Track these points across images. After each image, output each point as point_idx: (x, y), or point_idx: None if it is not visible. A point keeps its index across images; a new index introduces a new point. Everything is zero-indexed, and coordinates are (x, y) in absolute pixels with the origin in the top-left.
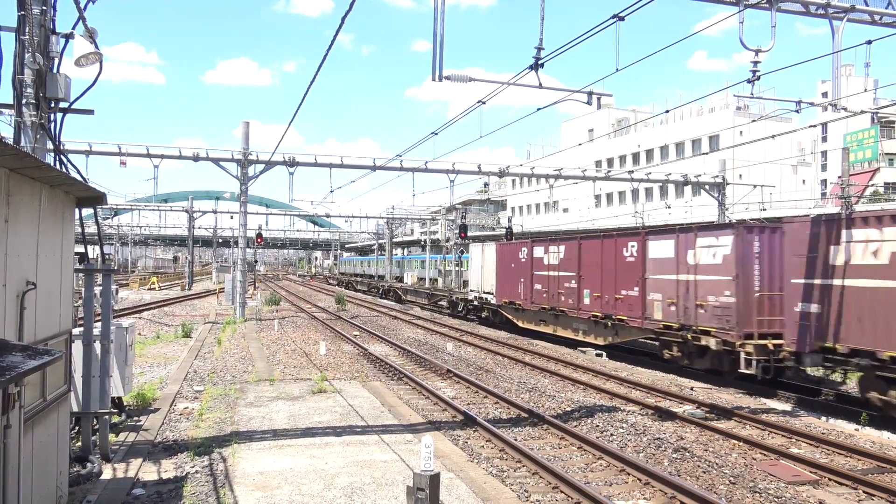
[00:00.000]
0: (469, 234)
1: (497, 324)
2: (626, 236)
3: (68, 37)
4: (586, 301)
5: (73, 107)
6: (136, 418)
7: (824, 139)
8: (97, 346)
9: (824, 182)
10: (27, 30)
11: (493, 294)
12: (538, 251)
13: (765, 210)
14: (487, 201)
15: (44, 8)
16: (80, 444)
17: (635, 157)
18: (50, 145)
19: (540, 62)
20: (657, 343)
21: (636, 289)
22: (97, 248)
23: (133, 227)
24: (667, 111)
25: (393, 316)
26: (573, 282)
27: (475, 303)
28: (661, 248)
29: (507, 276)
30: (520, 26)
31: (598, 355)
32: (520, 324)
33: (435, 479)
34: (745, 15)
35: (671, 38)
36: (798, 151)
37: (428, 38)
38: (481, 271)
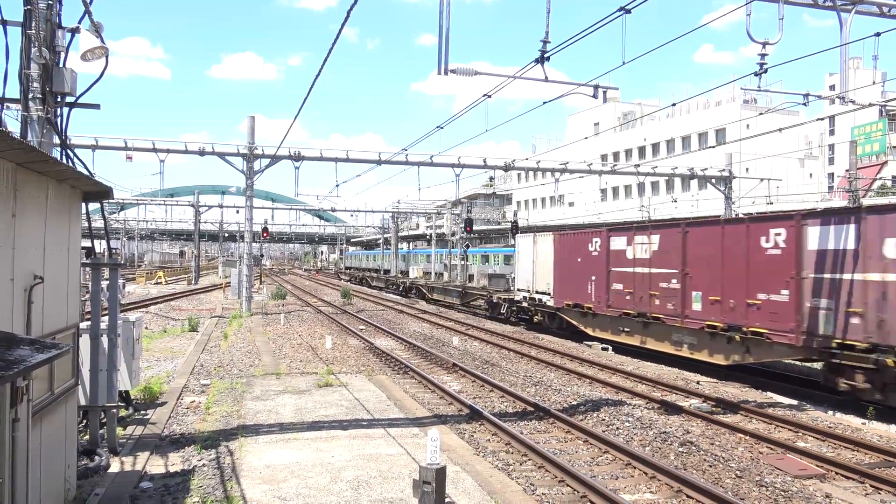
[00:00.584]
0: (474, 228)
1: (556, 331)
2: (765, 221)
3: (74, 31)
4: (696, 306)
5: (79, 101)
6: (143, 412)
7: (832, 132)
8: (104, 339)
9: (832, 175)
10: (33, 24)
11: (549, 294)
12: (618, 242)
13: (772, 203)
14: (493, 195)
15: (50, 2)
16: (87, 437)
17: (641, 150)
18: (56, 140)
19: (546, 55)
20: (821, 367)
21: (784, 292)
22: (104, 242)
23: (139, 222)
24: (673, 104)
25: (398, 310)
26: (674, 281)
27: (524, 304)
28: (830, 237)
29: (571, 272)
30: (526, 20)
31: (603, 349)
32: (589, 332)
33: (441, 473)
34: (753, 7)
35: (678, 31)
36: (805, 145)
37: (434, 32)
38: (533, 267)
